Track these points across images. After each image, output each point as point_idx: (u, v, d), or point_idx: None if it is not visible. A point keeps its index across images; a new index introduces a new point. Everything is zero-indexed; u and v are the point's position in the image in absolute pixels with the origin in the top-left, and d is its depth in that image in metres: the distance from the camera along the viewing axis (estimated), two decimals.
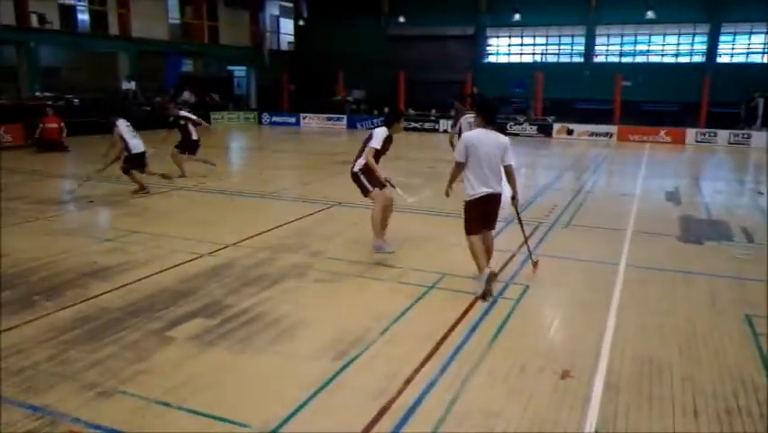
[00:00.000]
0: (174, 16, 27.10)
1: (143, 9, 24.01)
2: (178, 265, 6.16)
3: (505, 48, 29.32)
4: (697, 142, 21.07)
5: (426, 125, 24.51)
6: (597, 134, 22.31)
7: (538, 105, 24.48)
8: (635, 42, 26.91)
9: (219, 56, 28.98)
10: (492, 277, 5.46)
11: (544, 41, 28.40)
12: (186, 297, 5.28)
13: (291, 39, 33.93)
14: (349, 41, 29.27)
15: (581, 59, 27.40)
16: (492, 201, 5.48)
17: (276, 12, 33.40)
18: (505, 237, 7.64)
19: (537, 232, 7.85)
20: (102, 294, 5.32)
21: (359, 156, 6.51)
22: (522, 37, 28.61)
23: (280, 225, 7.94)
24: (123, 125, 10.27)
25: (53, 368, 3.97)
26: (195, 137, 11.89)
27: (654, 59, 26.75)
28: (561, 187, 11.76)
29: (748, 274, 6.23)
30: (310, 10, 32.08)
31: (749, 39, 25.18)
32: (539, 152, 18.73)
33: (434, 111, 25.50)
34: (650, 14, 23.78)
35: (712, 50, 25.35)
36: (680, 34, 26.05)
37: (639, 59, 26.95)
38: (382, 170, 6.48)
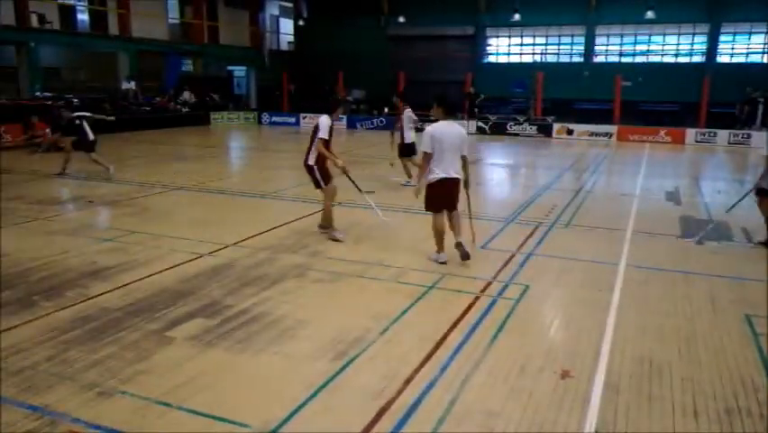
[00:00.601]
0: (174, 16, 27.10)
1: (143, 9, 24.02)
2: (178, 265, 6.16)
3: (505, 48, 29.31)
4: (697, 142, 21.06)
5: (426, 126, 24.43)
6: (597, 134, 22.30)
7: (538, 106, 24.47)
8: (635, 42, 26.90)
9: (219, 56, 28.99)
10: (458, 246, 6.17)
11: (544, 41, 28.39)
12: (185, 297, 5.28)
13: (291, 39, 33.93)
14: (349, 41, 29.25)
15: (581, 60, 27.38)
16: (450, 184, 6.13)
17: (276, 12, 33.40)
18: (505, 237, 7.66)
19: (537, 232, 7.86)
20: (102, 294, 5.32)
21: (310, 149, 7.01)
22: (522, 37, 28.59)
23: (280, 225, 7.93)
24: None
25: (53, 368, 3.97)
26: (91, 138, 12.31)
27: (654, 59, 26.75)
28: (560, 187, 11.76)
29: (748, 274, 6.24)
30: (310, 10, 32.07)
31: (749, 39, 25.18)
32: (539, 152, 18.73)
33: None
34: (650, 14, 23.76)
35: (712, 50, 25.34)
36: (679, 34, 26.03)
37: (639, 59, 26.93)
38: (339, 156, 7.11)
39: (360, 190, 7.60)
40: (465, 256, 6.13)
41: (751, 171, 15.34)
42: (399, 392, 3.70)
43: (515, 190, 11.94)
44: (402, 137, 11.18)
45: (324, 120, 6.98)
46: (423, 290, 5.55)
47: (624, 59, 26.99)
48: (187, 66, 28.20)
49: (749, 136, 20.49)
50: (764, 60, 25.01)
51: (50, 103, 19.43)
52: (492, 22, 28.46)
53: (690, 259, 6.80)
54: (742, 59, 25.28)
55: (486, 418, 3.47)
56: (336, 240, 7.14)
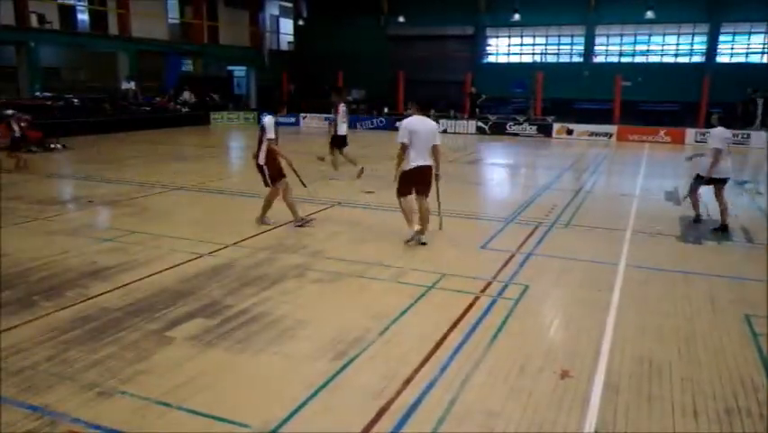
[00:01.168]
0: (174, 16, 27.10)
1: (143, 9, 24.01)
2: (178, 265, 6.16)
3: (504, 48, 29.32)
4: (696, 142, 21.01)
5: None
6: (596, 134, 22.31)
7: (538, 106, 24.47)
8: (635, 42, 26.90)
9: (219, 56, 28.99)
10: (419, 232, 6.95)
11: (544, 41, 28.39)
12: (185, 297, 5.29)
13: (291, 39, 33.93)
14: (349, 41, 29.25)
15: (581, 59, 27.38)
16: (424, 172, 6.83)
17: (276, 12, 33.39)
18: (505, 237, 7.66)
19: (537, 232, 7.86)
20: (101, 294, 5.32)
21: (259, 149, 7.51)
22: (522, 37, 28.59)
23: (280, 225, 7.93)
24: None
25: (53, 368, 3.97)
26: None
27: (654, 59, 26.75)
28: (560, 187, 11.76)
29: (748, 274, 6.24)
30: (310, 10, 32.06)
31: (749, 39, 25.18)
32: (539, 152, 18.73)
33: (432, 111, 25.43)
34: (649, 14, 23.76)
35: (712, 50, 25.35)
36: (679, 34, 26.03)
37: (639, 59, 26.94)
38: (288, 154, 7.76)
39: (303, 185, 8.13)
40: (418, 242, 6.95)
41: (751, 171, 15.34)
42: (399, 392, 3.70)
43: (515, 190, 11.94)
44: (336, 129, 11.87)
45: (270, 120, 7.51)
46: (423, 289, 5.55)
47: (624, 59, 26.98)
48: (187, 66, 28.19)
49: (748, 136, 20.50)
50: (764, 60, 25.01)
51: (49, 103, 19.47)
52: (492, 22, 28.45)
53: (689, 259, 6.81)
54: (742, 59, 25.28)
55: (486, 418, 3.47)
56: (267, 223, 7.76)
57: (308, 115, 26.46)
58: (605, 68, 25.94)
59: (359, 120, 25.66)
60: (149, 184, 11.02)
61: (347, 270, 6.14)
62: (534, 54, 28.64)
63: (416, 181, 6.83)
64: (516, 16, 26.20)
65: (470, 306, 5.17)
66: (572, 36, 27.57)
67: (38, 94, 20.05)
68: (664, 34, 26.25)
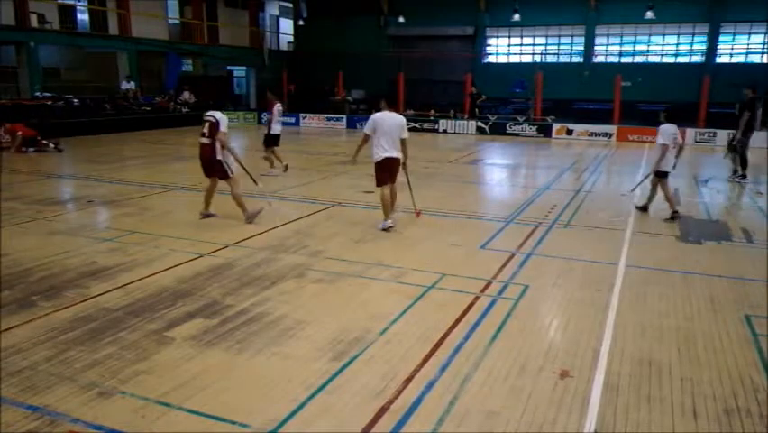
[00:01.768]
0: (174, 16, 27.10)
1: (143, 9, 24.02)
2: (178, 265, 6.16)
3: (504, 48, 29.33)
4: (696, 142, 21.05)
5: (426, 126, 24.50)
6: (596, 134, 22.31)
7: (538, 106, 24.47)
8: (635, 42, 26.91)
9: (219, 56, 28.99)
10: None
11: (544, 41, 28.41)
12: (185, 297, 5.29)
13: (291, 39, 33.94)
14: (349, 42, 29.27)
15: (581, 60, 27.40)
16: (392, 162, 7.53)
17: (275, 12, 33.42)
18: (504, 237, 7.66)
19: (537, 232, 7.86)
20: (101, 294, 5.32)
21: (214, 144, 7.74)
22: (522, 37, 28.62)
23: (280, 225, 7.94)
24: None
25: (52, 368, 3.97)
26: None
27: (654, 59, 26.76)
28: (560, 187, 11.76)
29: (748, 274, 6.24)
30: (310, 10, 32.08)
31: (748, 39, 25.19)
32: (539, 152, 18.73)
33: (433, 111, 25.49)
34: (649, 14, 23.77)
35: (712, 50, 25.35)
36: (679, 34, 26.05)
37: (639, 59, 26.95)
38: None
39: (255, 182, 8.52)
40: (390, 229, 7.69)
41: (751, 171, 15.35)
42: (399, 392, 3.70)
43: (514, 190, 11.94)
44: (269, 128, 12.35)
45: (223, 116, 7.84)
46: (422, 290, 5.55)
47: (623, 59, 27.00)
48: (187, 66, 28.19)
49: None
50: (764, 61, 25.01)
51: (50, 103, 19.46)
52: (492, 22, 28.47)
53: (689, 259, 6.80)
54: (741, 59, 25.28)
55: (485, 418, 3.47)
56: (254, 219, 7.95)
57: (308, 115, 26.45)
58: (605, 68, 25.96)
59: (359, 120, 25.64)
60: (149, 184, 11.02)
61: (347, 270, 6.14)
62: (534, 54, 28.65)
63: (385, 171, 7.57)
64: (516, 16, 26.22)
65: (470, 306, 5.17)
66: (572, 36, 27.59)
67: (38, 94, 20.06)
68: (664, 34, 26.28)
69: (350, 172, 11.77)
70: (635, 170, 14.35)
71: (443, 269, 6.15)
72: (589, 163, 15.80)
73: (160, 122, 22.68)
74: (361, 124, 25.35)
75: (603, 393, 3.74)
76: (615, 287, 5.73)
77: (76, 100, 20.79)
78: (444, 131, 24.17)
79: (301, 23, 32.30)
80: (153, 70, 25.79)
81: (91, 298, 5.24)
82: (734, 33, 25.32)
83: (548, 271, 6.23)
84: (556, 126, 22.97)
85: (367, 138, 7.60)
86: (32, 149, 15.26)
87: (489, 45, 29.43)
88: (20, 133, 15.32)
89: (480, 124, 23.81)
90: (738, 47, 25.42)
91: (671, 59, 26.48)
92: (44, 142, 15.51)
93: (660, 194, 8.91)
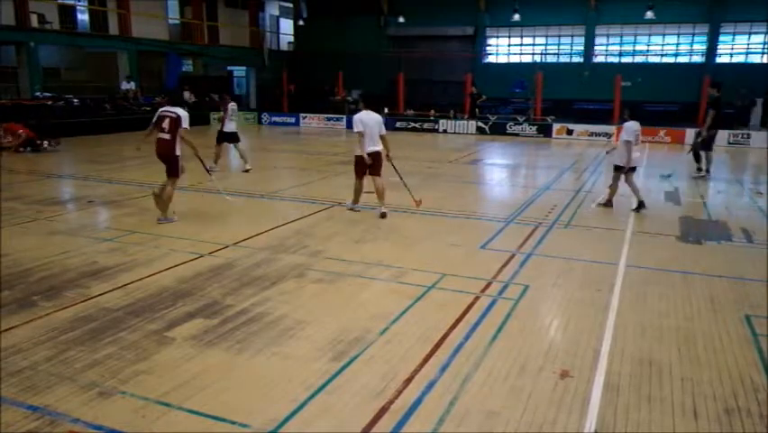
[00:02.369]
0: (174, 16, 27.10)
1: (143, 9, 24.02)
2: (178, 265, 6.16)
3: (504, 48, 29.32)
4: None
5: (426, 126, 24.50)
6: (596, 134, 22.30)
7: (538, 106, 24.47)
8: (635, 42, 26.91)
9: (219, 56, 29.00)
10: (383, 215, 8.42)
11: (544, 41, 28.40)
12: (185, 297, 5.29)
13: (291, 39, 33.95)
14: (349, 42, 29.27)
15: (581, 60, 27.40)
16: (374, 156, 8.35)
17: (276, 12, 33.42)
18: (505, 237, 7.66)
19: (537, 232, 7.86)
20: (102, 294, 5.32)
21: (174, 140, 7.79)
22: (522, 37, 28.62)
23: (280, 225, 7.94)
24: None
25: (53, 368, 3.97)
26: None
27: (654, 59, 26.75)
28: (560, 187, 11.76)
29: (748, 274, 6.24)
30: (310, 10, 32.08)
31: (749, 39, 25.19)
32: (539, 152, 18.73)
33: (433, 111, 25.49)
34: (650, 14, 23.75)
35: (712, 51, 25.34)
36: (679, 34, 26.05)
37: (639, 59, 26.94)
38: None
39: (208, 172, 9.12)
40: (381, 214, 8.45)
41: (751, 171, 15.34)
42: (399, 393, 3.70)
43: (515, 190, 11.94)
44: (222, 126, 12.85)
45: (184, 112, 7.88)
46: (422, 290, 5.55)
47: (624, 59, 26.99)
48: (187, 66, 28.20)
49: (749, 136, 20.50)
50: (764, 61, 25.01)
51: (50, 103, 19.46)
52: (492, 22, 28.48)
53: (689, 259, 6.80)
54: (742, 59, 25.27)
55: (486, 418, 3.47)
56: (169, 221, 7.98)
57: (308, 115, 26.45)
58: (605, 68, 25.95)
59: None
60: (148, 184, 11.01)
61: (347, 270, 6.14)
62: (534, 54, 28.65)
63: (368, 164, 8.32)
64: (517, 16, 26.22)
65: (470, 306, 5.17)
66: (572, 36, 27.59)
67: (38, 94, 20.06)
68: (664, 34, 26.28)
69: (349, 172, 11.72)
70: (635, 170, 14.31)
71: (443, 269, 6.15)
72: (589, 163, 15.79)
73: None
74: None
75: (603, 393, 3.74)
76: (615, 287, 5.72)
77: (76, 100, 20.79)
78: (444, 131, 24.16)
79: (301, 23, 32.30)
80: (153, 70, 25.79)
81: (91, 298, 5.24)
82: (734, 33, 25.32)
83: (548, 271, 6.23)
84: (556, 126, 22.96)
85: (362, 135, 8.29)
86: (29, 148, 15.28)
87: (489, 45, 29.43)
88: (22, 131, 15.37)
89: (480, 124, 23.80)
90: (738, 47, 25.42)
91: (671, 60, 26.47)
92: (38, 142, 15.56)
93: (626, 187, 9.34)
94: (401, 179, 8.94)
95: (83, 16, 23.34)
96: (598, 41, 27.23)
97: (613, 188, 9.47)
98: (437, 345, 4.37)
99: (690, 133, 21.25)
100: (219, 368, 4.02)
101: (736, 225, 8.43)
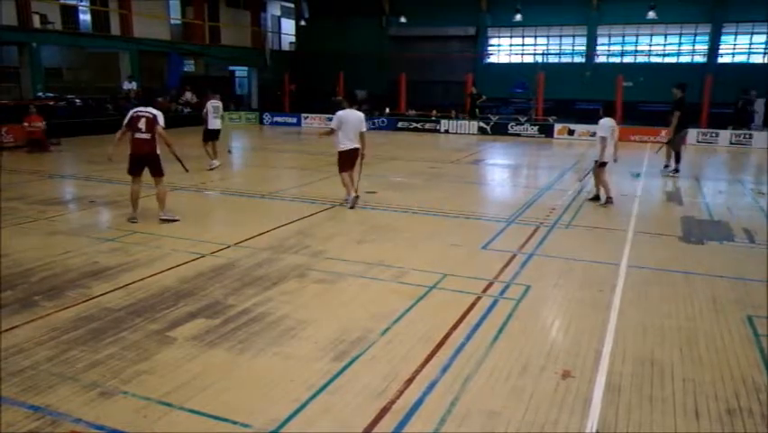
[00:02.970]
0: (175, 17, 27.12)
1: (145, 9, 24.04)
2: (180, 265, 6.17)
3: (506, 48, 29.30)
4: (698, 142, 21.01)
5: (427, 126, 24.49)
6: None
7: (539, 106, 24.45)
8: (637, 42, 26.87)
9: (220, 56, 29.00)
10: (355, 198, 9.06)
11: (546, 42, 28.38)
12: (187, 297, 5.29)
13: (293, 39, 33.96)
14: (350, 42, 29.26)
15: (583, 60, 27.36)
16: (353, 152, 8.90)
17: (277, 12, 33.42)
18: (506, 238, 7.65)
19: (538, 232, 7.85)
20: (103, 294, 5.33)
21: (154, 139, 7.89)
22: (523, 37, 28.58)
23: (281, 226, 7.94)
24: None
25: (54, 368, 3.97)
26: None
27: (656, 59, 26.72)
28: (562, 187, 11.75)
29: (750, 275, 6.23)
30: (311, 10, 32.08)
31: (750, 39, 25.15)
32: (540, 152, 18.72)
33: (434, 111, 25.48)
34: (651, 14, 23.72)
35: (714, 51, 25.30)
36: (681, 34, 26.00)
37: (640, 59, 26.90)
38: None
39: (185, 170, 9.11)
40: (354, 204, 9.02)
41: (752, 171, 15.32)
42: (400, 393, 3.70)
43: (516, 191, 11.93)
44: (206, 124, 13.02)
45: (159, 112, 8.01)
46: (424, 290, 5.55)
47: (625, 60, 26.95)
48: (189, 66, 28.20)
49: (750, 136, 20.47)
50: (766, 61, 24.97)
51: (52, 103, 19.50)
52: (494, 22, 28.45)
53: (691, 259, 6.79)
54: (744, 60, 25.23)
55: (487, 418, 3.46)
56: (172, 219, 8.04)
57: (310, 115, 26.46)
58: (607, 68, 25.89)
59: None
60: (149, 184, 11.02)
61: (348, 270, 6.14)
62: (535, 54, 28.62)
63: (347, 159, 8.90)
64: (518, 16, 26.19)
65: (472, 306, 5.16)
66: (574, 36, 27.55)
67: (40, 94, 20.07)
68: (666, 34, 26.24)
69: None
70: (636, 170, 14.32)
71: (444, 269, 6.14)
72: (590, 163, 15.77)
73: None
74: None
75: (605, 394, 3.74)
76: (616, 287, 5.72)
77: (78, 100, 20.81)
78: (446, 131, 24.15)
79: (303, 23, 32.28)
80: (155, 71, 25.78)
81: (93, 298, 5.24)
82: (736, 33, 25.27)
83: (550, 271, 6.22)
84: (558, 126, 22.94)
85: (332, 132, 9.03)
86: (37, 148, 15.45)
87: (491, 45, 29.40)
88: (41, 123, 15.65)
89: (482, 124, 23.78)
90: (740, 47, 25.38)
91: (672, 60, 26.42)
92: (49, 142, 15.77)
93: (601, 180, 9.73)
94: (360, 173, 9.29)
95: (85, 17, 23.35)
96: (599, 41, 27.19)
97: (597, 182, 9.84)
98: (439, 346, 4.37)
99: (691, 134, 21.29)
100: (221, 368, 4.02)
101: (738, 226, 8.41)
